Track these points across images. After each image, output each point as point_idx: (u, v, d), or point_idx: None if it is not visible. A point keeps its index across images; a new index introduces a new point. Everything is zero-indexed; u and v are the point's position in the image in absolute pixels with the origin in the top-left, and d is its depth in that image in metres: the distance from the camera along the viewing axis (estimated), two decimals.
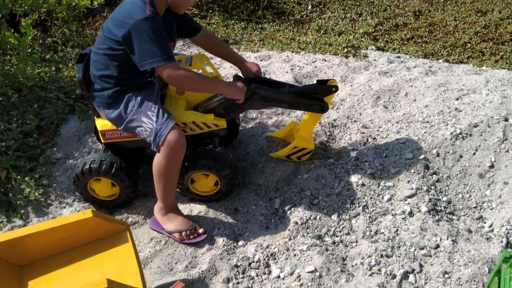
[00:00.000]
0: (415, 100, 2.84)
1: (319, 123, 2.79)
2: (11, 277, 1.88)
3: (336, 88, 2.28)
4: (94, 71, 2.20)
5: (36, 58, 3.05)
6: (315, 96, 2.30)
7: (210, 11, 4.55)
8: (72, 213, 2.44)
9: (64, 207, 2.50)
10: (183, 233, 2.25)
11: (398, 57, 3.60)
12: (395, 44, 4.08)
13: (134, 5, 2.05)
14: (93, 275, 1.88)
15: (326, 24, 4.49)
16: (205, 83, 2.14)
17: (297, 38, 4.13)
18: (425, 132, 2.56)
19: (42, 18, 3.66)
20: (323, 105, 2.32)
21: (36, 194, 2.50)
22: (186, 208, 2.42)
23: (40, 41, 3.58)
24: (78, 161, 2.64)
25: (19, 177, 2.57)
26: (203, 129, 2.31)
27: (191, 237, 2.26)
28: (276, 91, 2.29)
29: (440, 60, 3.68)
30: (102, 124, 2.30)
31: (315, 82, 2.34)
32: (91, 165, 2.32)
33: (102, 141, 2.37)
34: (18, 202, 2.49)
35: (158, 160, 2.15)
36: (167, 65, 2.02)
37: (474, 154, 2.44)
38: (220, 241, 2.25)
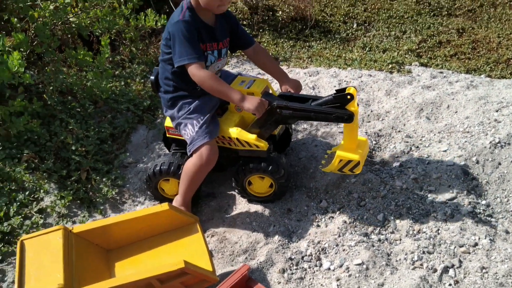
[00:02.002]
0: (456, 112, 3.04)
1: (365, 132, 3.02)
2: (100, 259, 2.21)
3: (351, 96, 2.22)
4: (159, 76, 2.62)
5: (110, 73, 3.43)
6: (336, 105, 2.28)
7: (260, 30, 4.86)
8: None
9: (137, 205, 2.83)
10: None
11: (441, 72, 3.79)
12: (438, 60, 4.26)
13: (177, 10, 2.44)
14: (169, 260, 2.18)
15: (371, 42, 4.72)
16: (221, 87, 2.35)
17: (343, 55, 4.38)
18: (466, 141, 2.76)
19: (112, 38, 4.06)
20: (348, 114, 2.26)
21: (113, 193, 2.84)
22: (245, 207, 2.69)
23: (110, 59, 3.98)
24: (149, 164, 2.97)
25: (97, 178, 2.92)
26: (245, 146, 2.51)
27: None
28: (299, 105, 2.35)
29: (482, 76, 3.84)
30: (168, 121, 2.67)
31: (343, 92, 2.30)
32: (161, 167, 2.64)
33: (167, 135, 2.72)
34: (97, 200, 2.83)
35: (188, 164, 2.47)
36: (192, 64, 2.32)
37: None
38: (275, 237, 2.50)
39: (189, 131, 2.48)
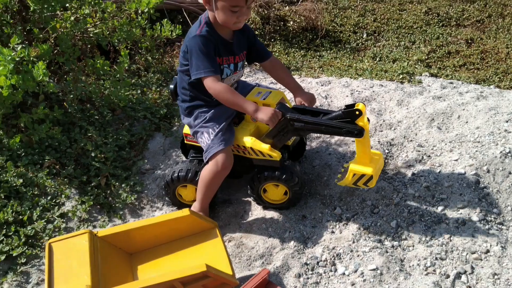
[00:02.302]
0: (467, 122, 3.11)
1: (378, 141, 3.10)
2: (123, 262, 2.28)
3: (360, 112, 2.28)
4: (178, 86, 2.71)
5: (128, 82, 3.53)
6: (347, 120, 2.32)
7: (272, 40, 4.95)
8: None
9: (155, 211, 2.91)
10: None
11: (451, 83, 3.86)
12: (448, 71, 4.33)
13: (195, 24, 2.53)
14: (189, 263, 2.25)
15: (381, 52, 4.80)
16: (235, 99, 2.43)
17: (354, 65, 4.46)
18: (476, 151, 2.83)
19: (129, 47, 4.16)
20: (357, 129, 2.31)
21: (132, 199, 2.92)
22: (260, 213, 2.76)
23: (126, 67, 4.07)
24: (167, 171, 3.05)
25: (117, 183, 3.00)
26: (259, 156, 2.59)
27: None
28: (311, 118, 2.41)
29: (492, 86, 3.91)
30: (186, 128, 2.76)
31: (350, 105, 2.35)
32: (179, 173, 2.72)
33: (185, 141, 2.81)
34: (117, 205, 2.91)
35: (204, 171, 2.55)
36: (208, 77, 2.41)
37: None
38: (291, 242, 2.57)
39: (205, 139, 2.56)
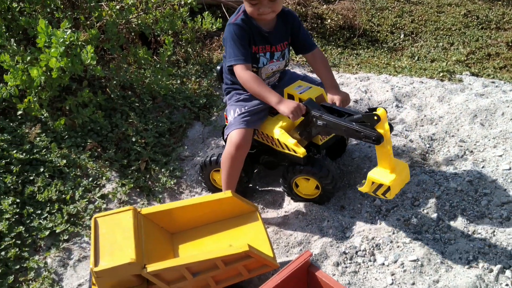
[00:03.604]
0: (511, 119, 3.06)
1: (419, 136, 3.06)
2: (165, 240, 2.31)
3: (378, 118, 2.12)
4: (223, 69, 2.76)
5: (170, 70, 3.58)
6: (366, 124, 2.19)
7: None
8: None
9: (194, 195, 2.94)
10: None
11: (493, 82, 3.80)
12: (489, 71, 4.27)
13: (234, 13, 2.58)
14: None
15: (419, 52, 4.76)
16: (260, 89, 2.42)
17: (392, 63, 4.43)
18: None
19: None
20: (375, 135, 2.15)
21: (172, 183, 2.96)
22: (299, 203, 2.75)
23: (166, 58, 4.13)
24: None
25: (156, 168, 3.04)
26: (284, 149, 2.54)
27: None
28: (333, 118, 2.31)
29: None
30: None
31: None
32: (211, 158, 2.75)
33: (226, 122, 2.79)
34: (156, 189, 2.95)
35: (223, 153, 2.54)
36: (238, 65, 2.45)
37: None
38: (329, 231, 2.56)
39: (230, 117, 2.59)
